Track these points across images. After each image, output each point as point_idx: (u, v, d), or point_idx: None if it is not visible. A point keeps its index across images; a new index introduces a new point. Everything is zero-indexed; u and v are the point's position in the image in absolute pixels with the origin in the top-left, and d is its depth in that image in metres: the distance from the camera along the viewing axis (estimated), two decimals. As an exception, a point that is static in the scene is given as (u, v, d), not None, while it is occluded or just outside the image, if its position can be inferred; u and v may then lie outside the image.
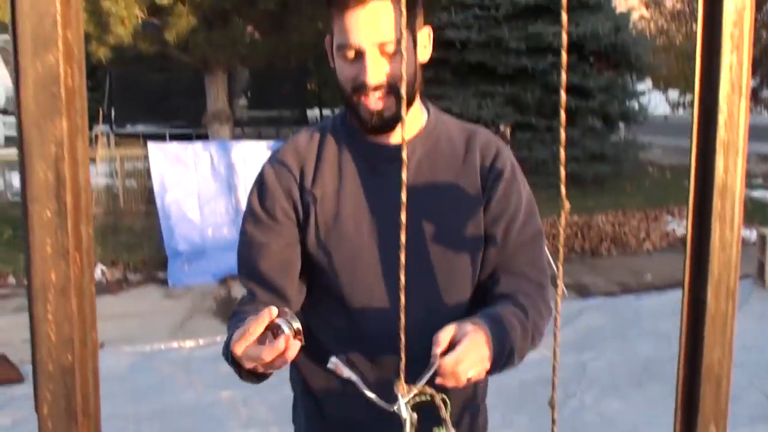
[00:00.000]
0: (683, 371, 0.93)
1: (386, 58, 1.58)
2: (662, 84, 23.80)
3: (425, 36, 1.70)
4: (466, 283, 1.72)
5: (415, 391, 1.07)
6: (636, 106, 15.71)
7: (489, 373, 1.50)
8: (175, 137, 15.48)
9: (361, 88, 1.60)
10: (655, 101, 18.88)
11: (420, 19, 1.66)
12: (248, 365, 1.46)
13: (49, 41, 0.84)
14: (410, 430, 1.07)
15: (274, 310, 1.42)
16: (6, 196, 12.91)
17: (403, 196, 0.86)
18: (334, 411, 1.82)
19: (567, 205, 1.01)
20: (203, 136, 12.73)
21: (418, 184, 1.70)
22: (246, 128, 20.85)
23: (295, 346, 1.39)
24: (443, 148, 1.74)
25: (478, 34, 14.02)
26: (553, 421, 1.03)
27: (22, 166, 0.89)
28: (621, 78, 15.36)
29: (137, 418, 4.51)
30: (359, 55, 1.58)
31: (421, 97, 1.75)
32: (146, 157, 9.10)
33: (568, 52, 13.71)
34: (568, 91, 13.92)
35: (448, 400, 1.14)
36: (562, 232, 0.91)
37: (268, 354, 1.39)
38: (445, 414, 1.07)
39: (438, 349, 1.37)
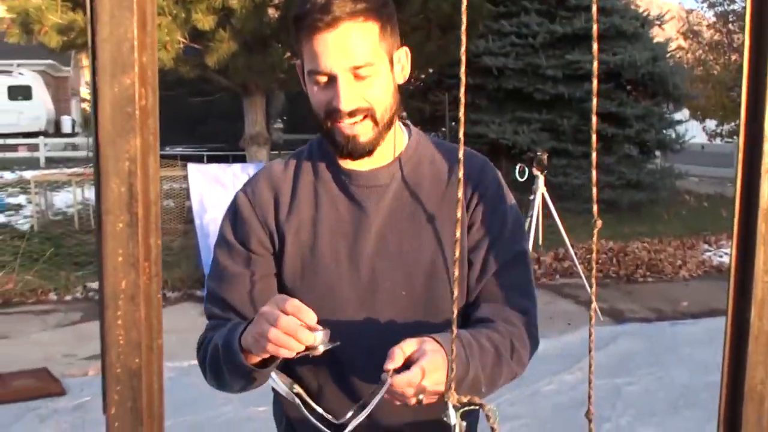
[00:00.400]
0: (726, 391, 0.94)
1: (360, 82, 1.50)
2: (699, 114, 23.61)
3: (402, 56, 1.59)
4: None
5: (465, 399, 1.10)
6: (673, 134, 15.63)
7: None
8: (212, 159, 15.65)
9: (334, 113, 1.52)
10: (693, 130, 18.74)
11: (395, 39, 1.56)
12: (255, 335, 1.39)
13: (126, 65, 0.90)
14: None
15: (314, 318, 1.36)
16: (47, 216, 13.10)
17: (458, 233, 0.90)
18: None
19: (599, 222, 1.05)
20: (240, 158, 12.87)
21: (398, 210, 1.62)
22: (282, 151, 21.00)
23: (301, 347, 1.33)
24: (425, 171, 1.66)
25: (515, 61, 14.07)
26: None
27: (98, 180, 0.94)
28: (658, 107, 15.31)
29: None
30: (331, 79, 1.50)
31: (400, 119, 1.67)
32: (185, 178, 9.23)
33: (605, 81, 13.70)
34: (604, 118, 13.95)
35: (496, 411, 1.16)
36: (595, 239, 0.96)
37: (285, 324, 1.33)
38: (494, 423, 1.10)
39: (390, 365, 1.31)
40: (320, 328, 1.35)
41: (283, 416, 1.79)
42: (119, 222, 0.92)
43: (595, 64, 0.94)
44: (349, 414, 1.39)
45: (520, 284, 1.63)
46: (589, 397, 1.12)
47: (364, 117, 1.52)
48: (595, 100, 0.93)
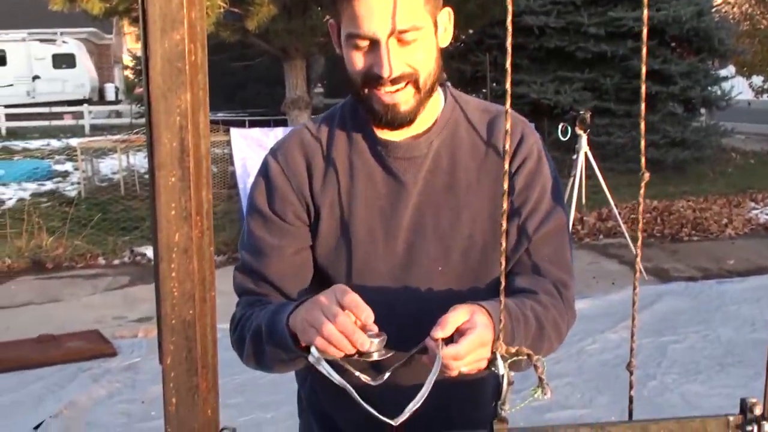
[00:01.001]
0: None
1: (404, 47, 1.40)
2: (746, 69, 23.13)
3: (445, 18, 1.50)
4: (492, 285, 1.54)
5: (513, 350, 1.11)
6: (718, 91, 15.36)
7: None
8: (253, 123, 15.73)
9: (374, 80, 1.42)
10: (739, 86, 18.39)
11: (439, 1, 1.47)
12: (306, 324, 1.32)
13: (175, 21, 0.91)
14: (507, 389, 1.11)
15: (371, 318, 1.28)
16: (94, 182, 13.30)
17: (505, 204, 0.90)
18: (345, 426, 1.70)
19: (647, 175, 1.04)
20: (281, 122, 12.91)
21: (435, 182, 1.54)
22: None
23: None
24: (462, 136, 1.57)
25: (556, 19, 13.89)
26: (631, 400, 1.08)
27: (150, 135, 0.96)
28: (703, 63, 15.05)
29: (223, 391, 4.61)
30: (374, 44, 1.40)
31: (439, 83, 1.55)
32: (227, 143, 9.30)
33: (649, 37, 13.52)
34: (648, 76, 13.66)
35: (544, 361, 1.15)
36: (642, 192, 0.96)
37: (341, 323, 1.25)
38: (542, 374, 1.11)
39: (440, 333, 1.25)
40: (375, 328, 1.27)
41: (313, 404, 1.77)
42: (171, 176, 0.93)
43: (645, 30, 0.94)
44: (387, 375, 1.32)
45: (558, 256, 1.56)
46: (631, 350, 1.13)
47: (407, 84, 1.43)
48: (644, 56, 0.93)
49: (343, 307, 1.27)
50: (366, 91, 1.45)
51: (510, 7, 0.86)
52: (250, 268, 1.59)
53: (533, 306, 1.45)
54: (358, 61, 1.43)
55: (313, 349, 1.28)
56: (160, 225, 0.95)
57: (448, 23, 1.51)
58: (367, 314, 1.27)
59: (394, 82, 1.41)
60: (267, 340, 1.46)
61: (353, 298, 1.28)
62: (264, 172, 1.61)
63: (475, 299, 1.39)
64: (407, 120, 1.48)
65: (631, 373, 1.07)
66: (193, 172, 0.94)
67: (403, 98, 1.44)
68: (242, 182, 8.30)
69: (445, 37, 1.51)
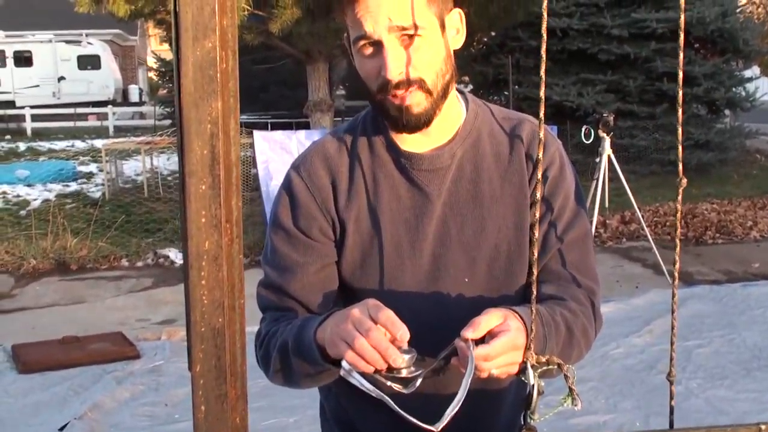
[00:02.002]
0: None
1: (408, 49, 1.40)
2: (771, 70, 22.96)
3: (455, 19, 1.48)
4: (517, 295, 1.55)
5: (543, 359, 1.10)
6: (743, 92, 15.24)
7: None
8: (275, 126, 15.78)
9: (385, 85, 1.42)
10: (764, 87, 18.24)
11: (447, 1, 1.46)
12: (337, 337, 1.31)
13: (207, 28, 0.91)
14: (537, 398, 1.10)
15: (407, 336, 1.27)
16: (117, 184, 13.38)
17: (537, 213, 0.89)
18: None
19: (684, 181, 1.03)
20: (303, 125, 12.94)
21: (459, 192, 1.54)
22: (345, 117, 21.06)
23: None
24: (485, 145, 1.56)
25: (579, 21, 13.83)
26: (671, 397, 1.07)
27: (181, 142, 0.96)
28: (727, 64, 14.94)
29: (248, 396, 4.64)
30: (377, 46, 1.40)
31: (456, 88, 1.55)
32: (250, 145, 9.32)
33: (672, 39, 13.41)
34: (671, 77, 13.66)
35: (575, 370, 1.15)
36: (678, 206, 0.95)
37: (374, 338, 1.25)
38: (572, 384, 1.10)
39: (470, 334, 1.25)
40: (406, 345, 1.26)
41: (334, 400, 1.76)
42: (202, 184, 0.93)
43: (681, 36, 0.92)
44: (418, 381, 1.29)
45: (583, 264, 1.56)
46: (671, 359, 1.12)
47: (415, 86, 1.41)
48: (681, 62, 0.92)
49: (376, 323, 1.26)
50: (380, 97, 1.44)
51: (544, 25, 0.85)
52: (274, 285, 1.59)
53: (563, 312, 1.44)
54: (367, 67, 1.44)
55: (344, 362, 1.27)
56: (190, 233, 0.95)
57: (460, 24, 1.50)
58: (403, 332, 1.26)
59: (398, 86, 1.41)
60: (294, 354, 1.46)
61: (389, 315, 1.27)
62: (288, 187, 1.59)
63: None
64: (422, 122, 1.46)
65: (672, 383, 1.05)
66: (224, 180, 0.94)
67: (415, 100, 1.43)
68: (265, 185, 8.33)
69: (458, 39, 1.50)
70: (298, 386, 1.59)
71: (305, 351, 1.42)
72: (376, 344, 1.24)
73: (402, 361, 1.24)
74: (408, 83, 1.41)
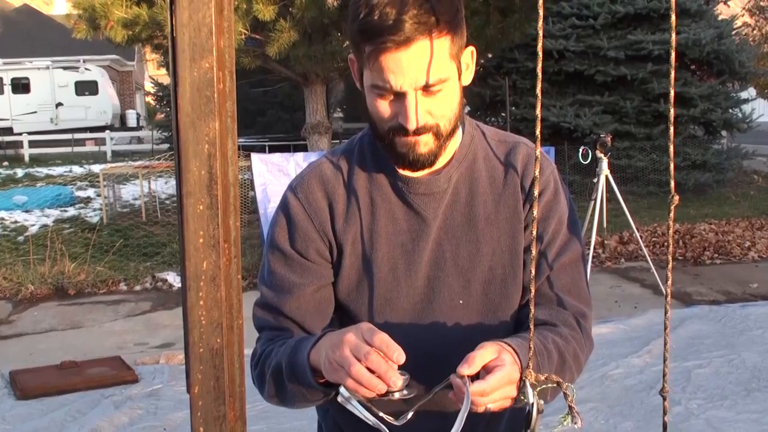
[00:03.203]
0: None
1: (429, 97, 1.40)
2: (767, 92, 23.05)
3: (468, 57, 1.49)
4: (511, 318, 1.56)
5: (542, 378, 1.10)
6: (739, 113, 15.32)
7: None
8: (273, 149, 15.81)
9: (399, 129, 1.43)
10: (760, 109, 18.31)
11: (463, 42, 1.45)
12: (334, 363, 1.31)
13: (204, 49, 0.91)
14: (537, 417, 1.10)
15: (403, 357, 1.27)
16: (115, 208, 13.37)
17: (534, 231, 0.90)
18: None
19: (677, 198, 1.03)
20: (301, 148, 12.95)
21: (454, 215, 1.55)
22: (343, 140, 21.11)
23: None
24: (481, 168, 1.57)
25: (575, 43, 13.91)
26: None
27: (178, 163, 0.96)
28: (723, 86, 15.02)
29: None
30: (398, 96, 1.40)
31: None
32: (248, 168, 9.33)
33: (668, 61, 13.58)
34: (668, 98, 13.66)
35: (574, 389, 1.14)
36: (671, 222, 0.95)
37: (374, 362, 1.25)
38: (572, 402, 1.09)
39: (466, 370, 1.24)
40: (399, 369, 1.26)
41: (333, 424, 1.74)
42: (200, 204, 0.93)
43: (672, 54, 0.93)
44: (410, 414, 1.32)
45: (576, 287, 1.56)
46: (664, 375, 1.11)
47: (430, 132, 1.43)
48: (672, 80, 0.92)
49: (372, 346, 1.27)
50: (390, 136, 1.45)
51: (540, 44, 0.86)
52: (270, 305, 1.59)
53: (554, 339, 1.45)
54: (382, 109, 1.43)
55: (342, 390, 1.28)
56: (188, 253, 0.95)
57: (471, 61, 1.50)
58: (399, 354, 1.26)
59: (416, 132, 1.42)
60: (288, 378, 1.47)
61: (383, 338, 1.28)
62: (284, 208, 1.60)
63: (496, 331, 1.42)
64: (428, 162, 1.48)
65: (665, 399, 1.05)
66: (221, 200, 0.94)
67: (423, 140, 1.44)
68: (263, 207, 8.32)
69: (468, 75, 1.50)
70: (293, 406, 1.59)
71: (299, 374, 1.43)
72: (376, 367, 1.25)
73: (401, 382, 1.25)
74: (424, 131, 1.43)
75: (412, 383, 1.28)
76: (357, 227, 1.55)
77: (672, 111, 0.92)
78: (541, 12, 0.88)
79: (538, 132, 0.88)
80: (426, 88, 1.39)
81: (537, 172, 0.92)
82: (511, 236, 1.55)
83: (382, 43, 1.35)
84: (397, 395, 1.26)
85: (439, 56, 1.38)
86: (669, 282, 1.05)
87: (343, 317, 1.58)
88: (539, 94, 0.86)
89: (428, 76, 1.37)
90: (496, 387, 1.24)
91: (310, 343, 1.42)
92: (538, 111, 0.84)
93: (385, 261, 1.54)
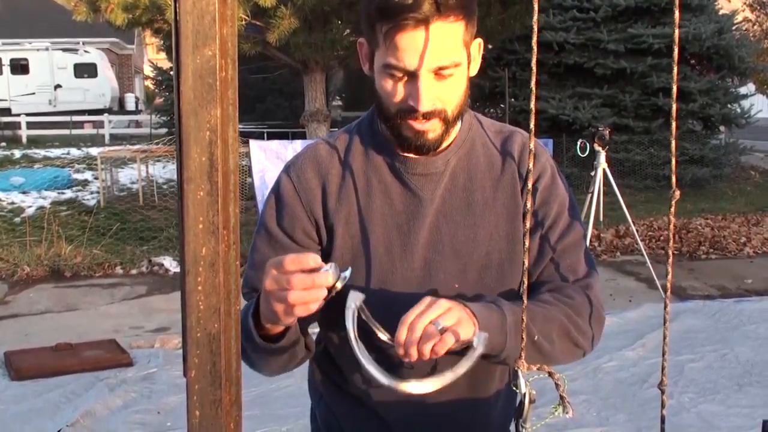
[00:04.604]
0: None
1: (440, 81, 1.42)
2: (766, 87, 23.05)
3: (476, 49, 1.50)
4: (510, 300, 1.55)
5: (534, 369, 1.11)
6: (738, 109, 15.33)
7: (504, 356, 1.38)
8: (272, 136, 15.79)
9: (408, 112, 1.44)
10: (759, 104, 18.32)
11: (474, 32, 1.47)
12: (276, 307, 1.31)
13: (207, 37, 0.92)
14: (529, 407, 1.11)
15: (318, 258, 1.27)
16: (113, 192, 13.37)
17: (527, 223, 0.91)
18: None
19: (678, 193, 1.04)
20: (300, 135, 12.96)
21: (452, 199, 1.56)
22: (341, 128, 21.04)
23: (321, 291, 1.26)
24: (478, 155, 1.59)
25: (575, 35, 13.91)
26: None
27: (180, 149, 0.97)
28: (723, 81, 15.03)
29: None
30: (411, 76, 1.41)
31: None
32: (246, 155, 9.33)
33: (668, 54, 13.48)
34: (667, 92, 13.71)
35: (565, 379, 1.16)
36: (672, 217, 0.96)
37: (299, 282, 1.25)
38: (563, 392, 1.11)
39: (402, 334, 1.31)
40: (324, 264, 1.27)
41: (323, 404, 1.76)
42: (200, 190, 0.94)
43: (675, 50, 0.94)
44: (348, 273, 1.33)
45: (579, 264, 1.58)
46: (663, 369, 1.13)
47: (438, 117, 1.45)
48: (675, 75, 0.93)
49: (287, 272, 1.27)
50: (398, 119, 1.46)
51: (535, 38, 0.86)
52: (248, 284, 1.59)
53: (540, 299, 1.50)
54: (393, 90, 1.44)
55: (349, 300, 1.32)
56: (187, 239, 0.96)
57: (477, 53, 1.52)
58: (312, 258, 1.27)
59: (425, 116, 1.43)
60: (247, 344, 1.46)
61: (290, 258, 1.28)
62: (276, 188, 1.62)
63: None
64: (434, 147, 1.50)
65: (663, 392, 1.06)
66: (222, 187, 0.95)
67: (432, 127, 1.46)
68: (260, 194, 8.33)
69: (474, 67, 1.51)
70: (267, 371, 1.59)
71: (252, 341, 1.44)
72: (303, 285, 1.26)
73: (330, 277, 1.25)
74: (433, 116, 1.44)
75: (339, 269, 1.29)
76: (351, 207, 1.56)
77: (674, 107, 0.93)
78: (536, 6, 0.89)
79: (532, 125, 0.89)
80: (438, 71, 1.40)
81: (531, 165, 0.93)
82: (508, 222, 1.56)
83: (402, 20, 1.36)
84: (339, 285, 1.27)
85: (454, 40, 1.40)
86: (669, 276, 1.07)
87: (336, 299, 1.59)
88: (534, 88, 0.87)
89: (443, 57, 1.39)
90: (412, 316, 1.30)
91: (251, 309, 1.43)
92: (533, 104, 0.85)
93: (380, 241, 1.54)
